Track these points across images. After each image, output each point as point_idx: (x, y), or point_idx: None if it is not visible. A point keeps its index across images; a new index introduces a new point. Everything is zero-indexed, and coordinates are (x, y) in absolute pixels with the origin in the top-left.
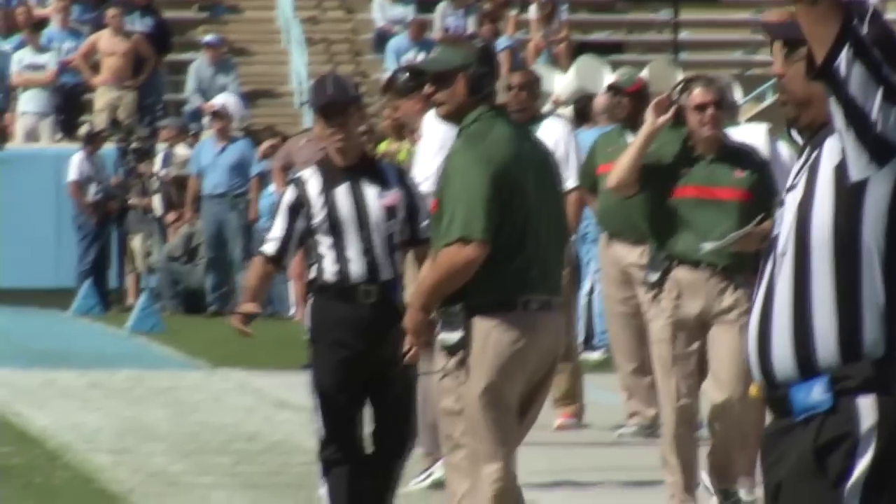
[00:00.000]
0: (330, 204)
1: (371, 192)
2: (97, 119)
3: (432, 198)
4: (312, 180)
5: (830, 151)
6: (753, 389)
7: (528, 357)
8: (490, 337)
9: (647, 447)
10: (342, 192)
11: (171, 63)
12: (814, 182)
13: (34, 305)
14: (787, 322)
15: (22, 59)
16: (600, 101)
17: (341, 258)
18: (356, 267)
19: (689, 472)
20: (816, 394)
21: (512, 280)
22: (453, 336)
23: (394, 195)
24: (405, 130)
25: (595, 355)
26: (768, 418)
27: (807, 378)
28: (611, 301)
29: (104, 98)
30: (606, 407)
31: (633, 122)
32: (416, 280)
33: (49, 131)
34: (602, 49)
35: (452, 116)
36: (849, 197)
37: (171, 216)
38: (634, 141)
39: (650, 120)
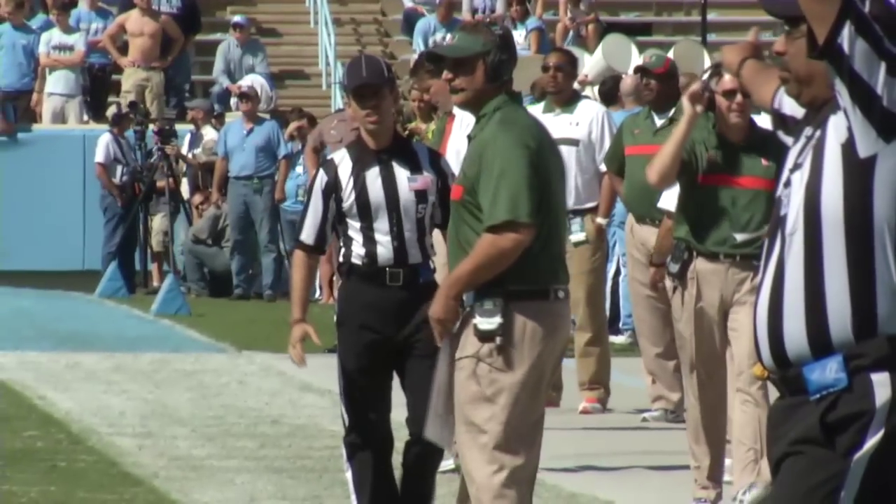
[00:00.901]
0: (360, 187)
1: (402, 175)
2: (125, 100)
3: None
4: (344, 163)
5: (836, 129)
6: (757, 369)
7: (558, 347)
8: (528, 325)
9: (672, 431)
10: (372, 175)
11: (199, 44)
12: (820, 160)
13: (60, 288)
14: (800, 301)
15: (50, 39)
16: (627, 82)
17: (369, 241)
18: (384, 250)
19: (714, 460)
20: (831, 372)
21: (547, 268)
22: (492, 322)
23: (425, 179)
24: (434, 111)
25: (620, 339)
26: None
27: (820, 357)
28: (636, 284)
29: (132, 79)
30: (631, 391)
31: (660, 105)
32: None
33: (76, 113)
34: (630, 30)
35: (471, 103)
36: (858, 174)
37: (197, 198)
38: (674, 132)
39: (688, 110)
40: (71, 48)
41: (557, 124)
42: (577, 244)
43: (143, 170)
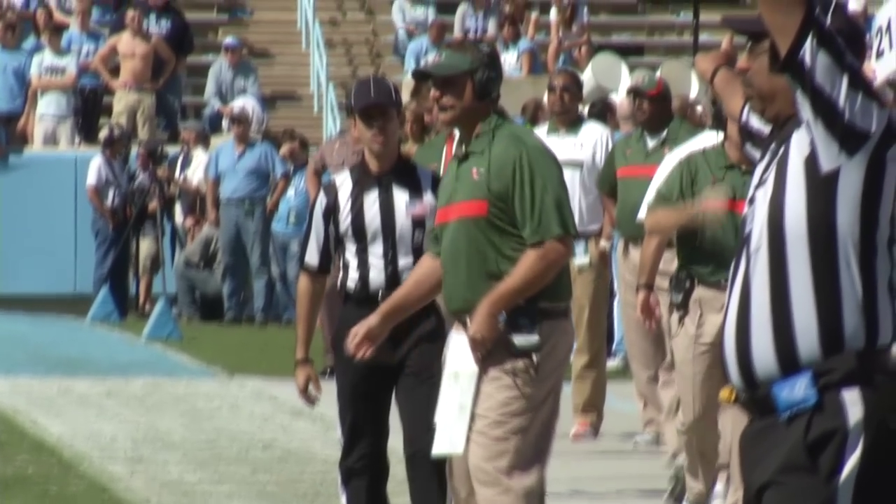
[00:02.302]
0: (356, 210)
1: (401, 201)
2: (117, 122)
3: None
4: (344, 185)
5: (799, 144)
6: (725, 393)
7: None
8: (557, 343)
9: (663, 456)
10: (371, 199)
11: (190, 65)
12: (784, 176)
13: (51, 311)
14: (767, 318)
15: (42, 61)
16: (625, 106)
17: (363, 265)
18: (377, 275)
19: (708, 481)
20: (800, 389)
21: (566, 284)
22: (530, 339)
23: (423, 205)
24: (426, 133)
25: (613, 362)
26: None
27: (789, 374)
28: (628, 308)
29: (123, 101)
30: (623, 415)
31: (653, 126)
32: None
33: (68, 135)
34: (622, 52)
35: (459, 121)
36: (821, 188)
37: (189, 221)
38: (689, 211)
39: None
40: (62, 70)
41: (562, 146)
42: (580, 268)
43: (133, 193)
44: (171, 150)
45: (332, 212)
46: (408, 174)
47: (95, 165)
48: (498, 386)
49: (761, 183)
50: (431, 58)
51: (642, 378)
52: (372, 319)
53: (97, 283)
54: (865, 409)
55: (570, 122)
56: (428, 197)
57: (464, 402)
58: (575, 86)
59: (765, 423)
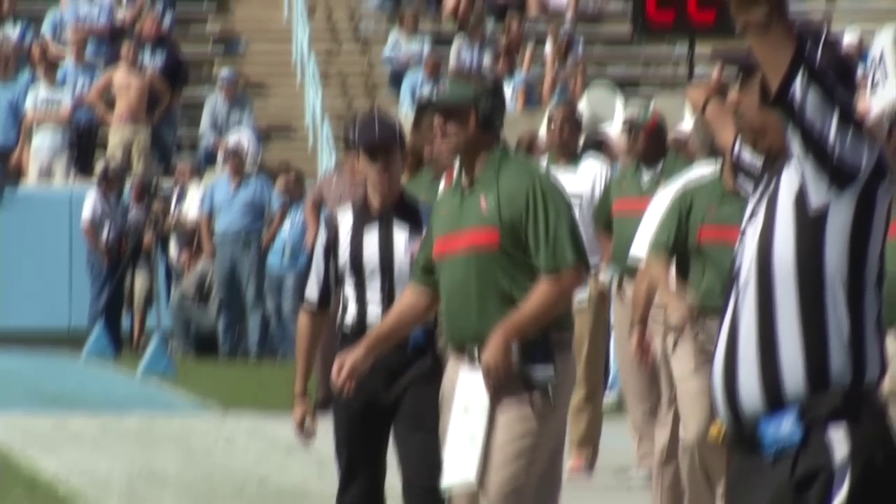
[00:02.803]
0: (356, 246)
1: (401, 238)
2: (112, 156)
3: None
4: (345, 221)
5: (789, 179)
6: (714, 430)
7: None
8: (566, 375)
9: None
10: (371, 235)
11: (185, 99)
12: (773, 211)
13: (46, 347)
14: (754, 354)
15: (37, 95)
16: (622, 139)
17: (361, 302)
18: (374, 311)
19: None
20: (786, 426)
21: (571, 314)
22: (546, 371)
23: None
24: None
25: (609, 398)
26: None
27: (775, 410)
28: (622, 343)
29: (119, 135)
30: (617, 451)
31: (648, 159)
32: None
33: (63, 169)
34: (617, 84)
35: (462, 150)
36: (810, 224)
37: (184, 256)
38: (677, 293)
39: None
40: (58, 104)
41: (561, 179)
42: (579, 303)
43: (128, 228)
44: (166, 183)
45: (332, 247)
46: (409, 211)
47: (90, 201)
48: (516, 419)
49: (752, 217)
50: (437, 88)
51: (637, 413)
52: (356, 353)
53: (92, 318)
54: (852, 446)
55: (569, 155)
56: None
57: (475, 433)
58: (574, 119)
59: (750, 464)
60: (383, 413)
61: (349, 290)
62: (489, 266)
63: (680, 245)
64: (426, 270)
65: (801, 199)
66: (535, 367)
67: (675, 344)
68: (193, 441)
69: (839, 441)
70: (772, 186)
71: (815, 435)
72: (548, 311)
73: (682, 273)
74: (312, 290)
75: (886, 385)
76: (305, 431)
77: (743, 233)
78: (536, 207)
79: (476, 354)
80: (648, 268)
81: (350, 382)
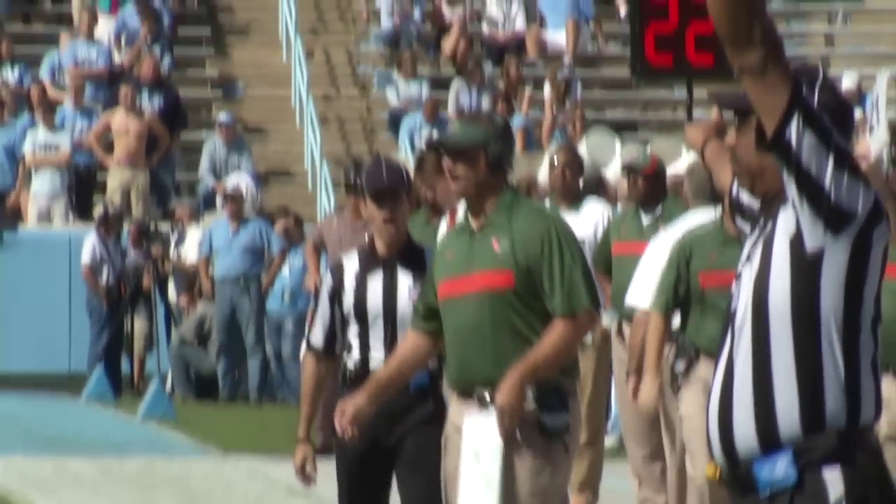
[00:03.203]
0: (360, 292)
1: (404, 284)
2: (111, 200)
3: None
4: (350, 266)
5: (785, 222)
6: (709, 470)
7: None
8: (577, 420)
9: None
10: (375, 281)
11: (184, 142)
12: (769, 253)
13: (46, 390)
14: (749, 396)
15: (36, 138)
16: (623, 185)
17: (364, 347)
18: (377, 356)
19: None
20: (781, 468)
21: (577, 361)
22: (561, 419)
23: None
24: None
25: (609, 440)
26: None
27: (770, 452)
28: (622, 386)
29: (117, 178)
30: (618, 493)
31: (647, 203)
32: None
33: (62, 212)
34: (616, 127)
35: (471, 192)
36: (806, 268)
37: (183, 299)
38: (654, 371)
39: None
40: (56, 147)
41: None
42: (583, 346)
43: (128, 271)
44: (165, 227)
45: (337, 292)
46: (415, 257)
47: (90, 244)
48: (536, 470)
49: (748, 259)
50: (445, 129)
51: (637, 457)
52: (359, 399)
53: (92, 361)
54: (846, 488)
55: (572, 198)
56: None
57: (490, 477)
58: (576, 162)
59: (747, 501)
60: (385, 457)
61: (353, 336)
62: (504, 307)
63: (681, 298)
64: (427, 316)
65: (796, 241)
66: (552, 415)
67: (680, 386)
68: (193, 484)
69: (834, 483)
70: (768, 229)
71: (809, 476)
72: (562, 354)
73: (685, 317)
74: (318, 336)
75: (883, 429)
76: (306, 476)
77: (739, 275)
78: (552, 251)
79: (486, 397)
80: (644, 323)
81: (353, 429)
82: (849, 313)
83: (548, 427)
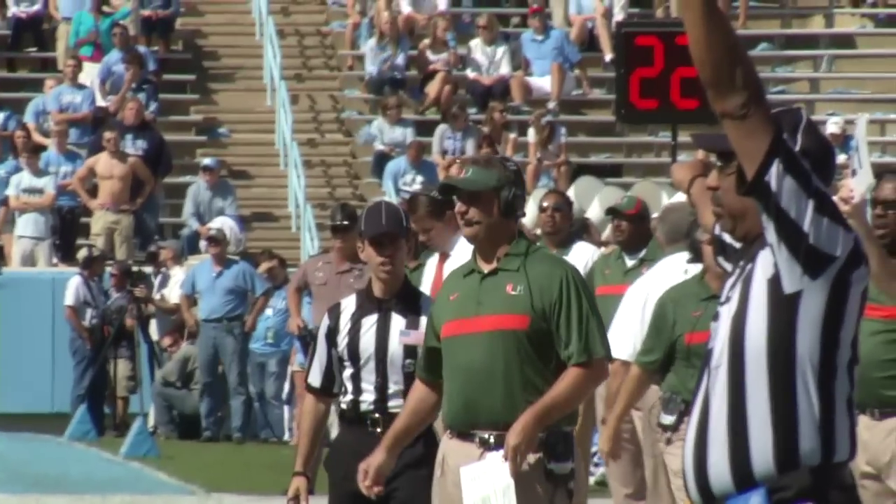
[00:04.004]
0: (353, 333)
1: (397, 327)
2: (95, 243)
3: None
4: (347, 308)
5: (764, 264)
6: None
7: None
8: (580, 468)
9: None
10: (368, 323)
11: (168, 186)
12: (748, 294)
13: (29, 430)
14: (724, 434)
15: (20, 182)
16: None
17: (356, 388)
18: (368, 398)
19: None
20: None
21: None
22: (566, 467)
23: (418, 334)
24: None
25: (595, 474)
26: None
27: (744, 489)
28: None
29: (101, 222)
30: None
31: (631, 245)
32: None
33: (46, 255)
34: (600, 171)
35: (483, 236)
36: (783, 309)
37: (166, 340)
38: (615, 423)
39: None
40: (41, 191)
41: None
42: None
43: (111, 312)
44: (148, 269)
45: (333, 334)
46: (409, 300)
47: (73, 285)
48: None
49: (727, 300)
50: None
51: (620, 495)
52: (378, 457)
53: (75, 401)
54: None
55: (561, 241)
56: (424, 327)
57: None
58: (566, 206)
59: None
60: (376, 499)
61: (346, 377)
62: (518, 350)
63: (666, 358)
64: (429, 366)
65: (774, 283)
66: (558, 462)
67: (670, 441)
68: None
69: None
70: (747, 269)
71: None
72: (575, 401)
73: (668, 369)
74: (315, 376)
75: (863, 467)
76: None
77: (717, 314)
78: (570, 299)
79: (489, 440)
80: (622, 374)
81: (379, 488)
82: (825, 354)
83: (555, 473)
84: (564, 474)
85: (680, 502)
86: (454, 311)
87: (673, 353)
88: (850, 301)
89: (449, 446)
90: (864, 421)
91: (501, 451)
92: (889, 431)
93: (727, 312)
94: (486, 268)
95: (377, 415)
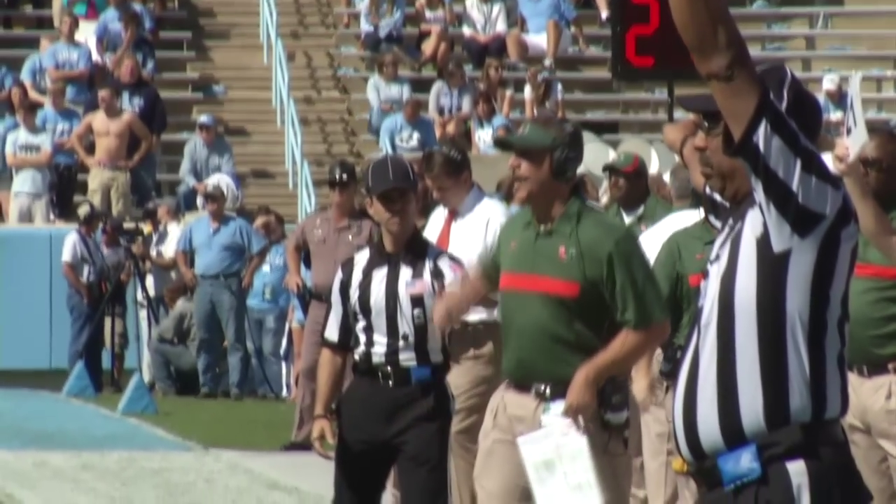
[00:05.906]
0: (364, 287)
1: (405, 279)
2: (93, 199)
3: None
4: (360, 263)
5: (753, 223)
6: (676, 463)
7: None
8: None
9: None
10: (379, 277)
11: (165, 143)
12: (737, 253)
13: (27, 386)
14: (713, 392)
15: (17, 139)
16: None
17: (368, 341)
18: (379, 349)
19: None
20: (745, 462)
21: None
22: (622, 416)
23: (422, 283)
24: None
25: None
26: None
27: (734, 447)
28: None
29: (98, 179)
30: None
31: (628, 202)
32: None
33: (43, 212)
34: (597, 129)
35: (534, 195)
36: (772, 268)
37: (164, 296)
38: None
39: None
40: (37, 148)
41: None
42: None
43: (108, 269)
44: (146, 227)
45: (346, 288)
46: (417, 252)
47: (71, 242)
48: (600, 465)
49: (716, 258)
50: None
51: None
52: (450, 297)
53: (72, 357)
54: (811, 481)
55: None
56: (427, 276)
57: (584, 480)
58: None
59: (714, 495)
60: (382, 452)
61: (359, 329)
62: (568, 315)
63: (670, 299)
64: (490, 271)
65: (763, 242)
66: (612, 414)
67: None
68: (174, 478)
69: (798, 475)
70: (737, 228)
71: (773, 470)
72: (630, 360)
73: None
74: (332, 331)
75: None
76: (321, 448)
77: (707, 273)
78: (622, 266)
79: (545, 392)
80: None
81: (455, 319)
82: (815, 312)
83: (611, 423)
84: (620, 424)
85: (669, 463)
86: (512, 262)
87: (679, 304)
88: (839, 259)
89: (506, 396)
90: (853, 379)
91: (560, 417)
92: (877, 388)
93: (717, 271)
94: (540, 227)
95: (388, 367)
